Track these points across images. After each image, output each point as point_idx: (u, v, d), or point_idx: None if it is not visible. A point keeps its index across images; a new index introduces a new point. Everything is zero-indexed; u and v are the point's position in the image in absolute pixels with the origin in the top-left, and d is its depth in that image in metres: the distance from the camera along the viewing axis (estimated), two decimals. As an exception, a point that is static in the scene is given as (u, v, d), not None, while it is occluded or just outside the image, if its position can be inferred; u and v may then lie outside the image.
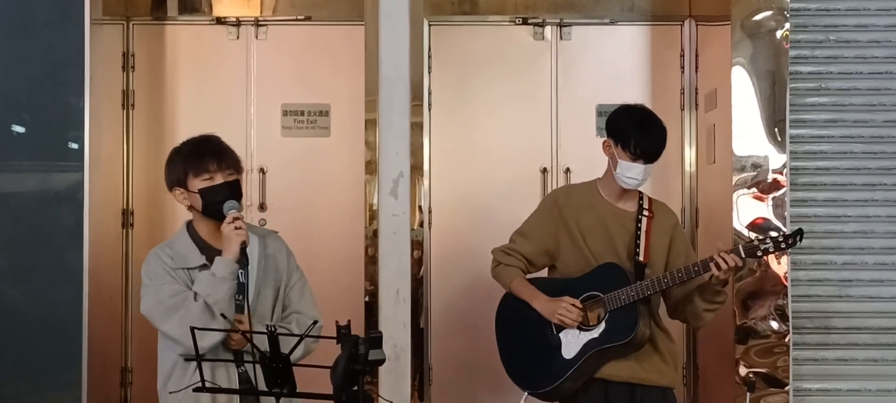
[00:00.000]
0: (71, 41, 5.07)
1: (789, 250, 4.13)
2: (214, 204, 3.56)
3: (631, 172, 4.01)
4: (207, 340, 3.41)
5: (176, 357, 3.59)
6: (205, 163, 3.58)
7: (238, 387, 3.50)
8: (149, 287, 3.60)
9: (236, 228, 3.49)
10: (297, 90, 5.84)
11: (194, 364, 3.31)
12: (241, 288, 3.59)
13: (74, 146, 5.07)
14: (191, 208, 3.67)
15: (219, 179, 3.58)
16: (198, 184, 3.58)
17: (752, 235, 5.01)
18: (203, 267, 3.58)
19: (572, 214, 4.15)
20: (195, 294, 3.50)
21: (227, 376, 3.56)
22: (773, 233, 4.08)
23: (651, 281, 3.97)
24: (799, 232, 3.96)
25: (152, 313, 3.57)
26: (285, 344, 3.11)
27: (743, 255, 3.91)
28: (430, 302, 5.66)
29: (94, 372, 5.12)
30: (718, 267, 3.88)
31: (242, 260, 3.53)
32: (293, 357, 3.12)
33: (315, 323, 3.53)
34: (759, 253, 3.98)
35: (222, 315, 3.44)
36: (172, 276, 3.58)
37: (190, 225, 3.70)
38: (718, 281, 3.95)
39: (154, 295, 3.56)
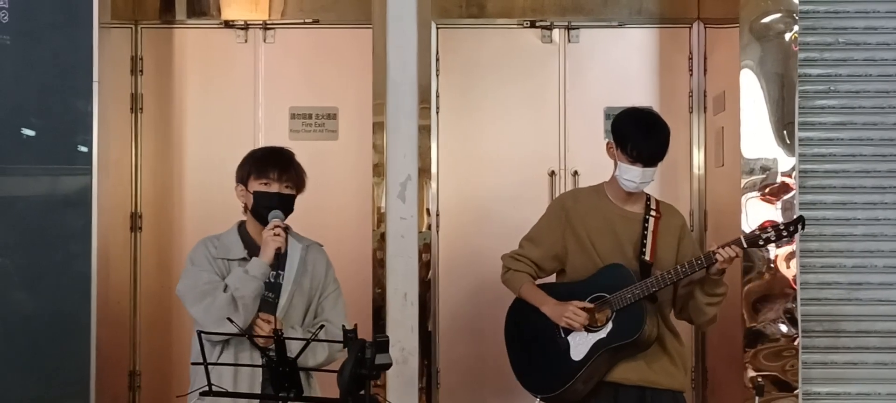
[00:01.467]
0: (79, 45, 5.07)
1: (791, 238, 4.12)
2: (263, 209, 3.91)
3: (629, 175, 4.03)
4: (226, 327, 3.69)
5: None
6: (267, 169, 3.94)
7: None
8: (189, 271, 3.93)
9: (274, 235, 3.82)
10: (304, 93, 5.84)
11: (219, 351, 3.79)
12: (275, 289, 3.92)
13: (83, 150, 5.06)
14: (245, 207, 4.00)
15: (274, 188, 3.93)
16: (256, 186, 3.94)
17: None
18: (242, 260, 3.92)
19: (580, 218, 4.16)
20: (226, 286, 3.80)
21: (251, 362, 3.81)
22: (775, 222, 4.08)
23: (655, 277, 3.99)
24: (800, 220, 3.99)
25: (185, 295, 3.88)
26: (311, 350, 3.23)
27: (744, 245, 3.97)
28: (437, 305, 5.65)
29: (102, 376, 5.11)
30: (721, 258, 3.92)
31: (276, 264, 3.89)
32: (315, 363, 3.60)
33: (321, 327, 3.82)
34: (762, 243, 4.02)
35: (228, 319, 3.69)
36: (212, 265, 3.90)
37: (241, 224, 4.03)
38: (717, 271, 3.97)
39: (191, 279, 3.89)
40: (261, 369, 3.76)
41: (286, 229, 4.00)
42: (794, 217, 4.12)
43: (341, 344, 3.49)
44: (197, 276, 3.89)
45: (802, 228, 3.98)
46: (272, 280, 3.94)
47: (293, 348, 3.42)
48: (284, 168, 3.98)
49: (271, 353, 3.39)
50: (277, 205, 3.91)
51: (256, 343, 3.72)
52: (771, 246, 4.97)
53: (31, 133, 5.08)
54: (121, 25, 5.69)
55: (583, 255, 4.14)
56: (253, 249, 3.93)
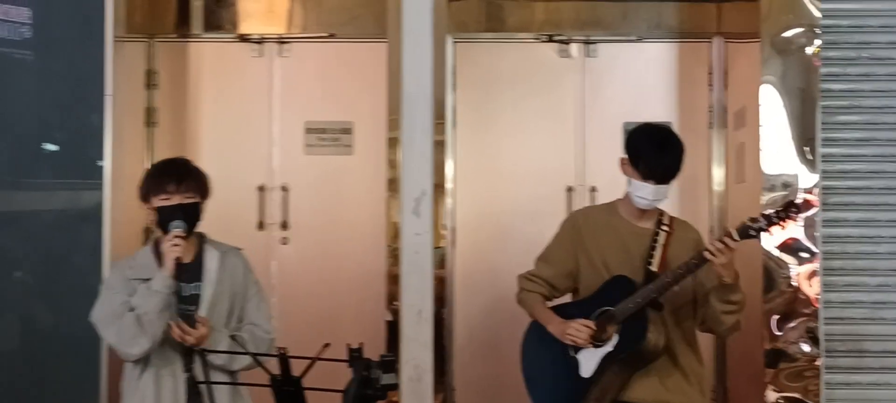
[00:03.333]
0: (93, 59, 5.06)
1: (783, 222, 4.02)
2: (166, 222, 3.89)
3: (641, 192, 3.99)
4: (137, 348, 3.78)
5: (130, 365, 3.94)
6: (163, 183, 3.94)
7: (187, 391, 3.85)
8: (104, 295, 3.96)
9: (173, 245, 3.81)
10: (320, 108, 5.81)
11: (137, 370, 3.88)
12: (194, 300, 3.93)
13: (98, 164, 5.05)
14: (154, 224, 3.99)
15: (175, 199, 3.90)
16: (157, 201, 3.93)
17: (783, 256, 4.94)
18: None
19: (591, 235, 4.13)
20: (132, 307, 3.82)
21: (173, 379, 3.88)
22: (768, 211, 4.00)
23: (655, 283, 3.93)
24: (791, 204, 3.92)
25: (98, 320, 3.91)
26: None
27: (736, 237, 3.89)
28: (453, 322, 5.59)
29: (113, 390, 5.06)
30: (712, 254, 3.84)
31: (194, 276, 3.93)
32: (238, 367, 3.78)
33: (242, 324, 3.97)
34: (753, 233, 3.93)
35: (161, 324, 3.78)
36: (126, 287, 3.89)
37: (156, 241, 4.01)
38: (724, 272, 3.89)
39: (105, 304, 3.91)
40: (183, 388, 3.83)
41: (202, 237, 4.04)
42: (786, 202, 4.05)
43: (267, 348, 3.70)
44: (111, 299, 3.90)
45: (795, 212, 3.89)
46: (191, 292, 3.94)
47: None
48: (181, 177, 3.97)
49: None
50: (180, 216, 3.88)
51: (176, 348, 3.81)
52: (791, 264, 4.91)
53: (50, 147, 5.07)
54: (135, 39, 5.68)
55: (594, 273, 4.10)
56: None
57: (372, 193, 5.57)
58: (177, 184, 3.93)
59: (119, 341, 3.83)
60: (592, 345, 3.99)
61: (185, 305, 3.91)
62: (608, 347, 3.97)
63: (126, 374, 3.99)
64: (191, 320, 3.87)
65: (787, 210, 3.89)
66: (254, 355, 3.57)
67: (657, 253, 4.02)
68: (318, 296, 5.59)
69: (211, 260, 4.00)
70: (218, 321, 3.94)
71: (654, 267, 4.00)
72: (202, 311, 3.91)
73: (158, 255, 3.93)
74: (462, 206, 5.67)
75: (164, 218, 3.90)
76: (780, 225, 3.93)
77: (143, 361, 3.87)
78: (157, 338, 3.80)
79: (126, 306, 3.82)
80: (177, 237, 3.82)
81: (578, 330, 3.98)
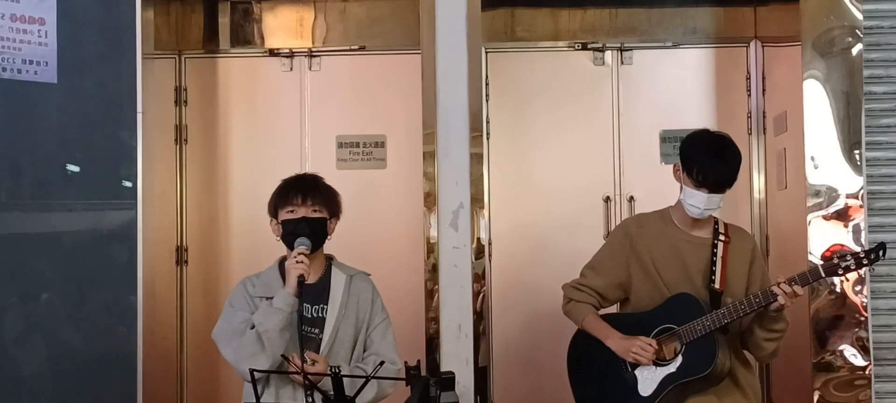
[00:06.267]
0: (123, 76, 5.00)
1: (872, 266, 3.92)
2: (290, 236, 3.81)
3: (694, 200, 3.89)
4: (256, 365, 3.58)
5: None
6: (290, 197, 3.86)
7: None
8: (226, 312, 3.87)
9: (297, 262, 3.68)
10: (351, 121, 5.76)
11: (255, 392, 3.53)
12: (319, 323, 3.83)
13: (127, 183, 4.99)
14: (279, 238, 3.90)
15: (300, 213, 3.83)
16: (283, 215, 3.87)
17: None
18: None
19: (644, 244, 4.02)
20: (253, 324, 3.69)
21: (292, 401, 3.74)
22: (855, 249, 3.89)
23: (727, 308, 3.83)
24: (881, 246, 3.78)
25: (218, 337, 3.83)
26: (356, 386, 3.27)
27: (823, 275, 3.82)
28: (491, 337, 5.51)
29: (148, 413, 5.03)
30: (787, 296, 3.75)
31: (319, 298, 3.84)
32: (364, 401, 3.37)
33: (382, 363, 3.69)
34: (841, 272, 3.83)
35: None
36: (249, 305, 3.82)
37: (282, 259, 3.92)
38: (777, 308, 3.79)
39: (226, 321, 3.83)
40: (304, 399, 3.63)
41: (330, 259, 3.97)
42: (866, 243, 3.92)
43: (393, 381, 3.38)
44: (232, 317, 3.82)
45: (884, 255, 3.77)
46: (315, 315, 3.85)
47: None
48: (308, 191, 3.90)
49: (327, 392, 3.27)
50: (305, 230, 3.80)
51: (303, 383, 3.57)
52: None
53: (76, 168, 5.02)
54: (164, 55, 5.66)
55: (648, 284, 3.99)
56: None
57: (407, 207, 5.53)
58: (303, 196, 3.87)
59: (237, 358, 3.70)
60: (653, 364, 3.89)
61: (308, 327, 3.81)
62: (671, 368, 3.86)
63: (245, 396, 3.86)
64: (316, 343, 3.78)
65: (877, 251, 3.76)
66: (376, 377, 3.49)
67: (718, 269, 3.91)
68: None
69: (337, 283, 3.92)
70: (342, 347, 3.85)
71: (716, 285, 3.90)
72: (326, 334, 3.81)
73: (283, 273, 3.85)
74: (497, 219, 5.60)
75: (289, 232, 3.82)
76: (867, 266, 3.85)
77: (263, 385, 3.75)
78: (277, 357, 3.67)
79: (247, 323, 3.73)
80: (301, 254, 3.72)
81: (644, 348, 3.87)
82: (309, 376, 3.44)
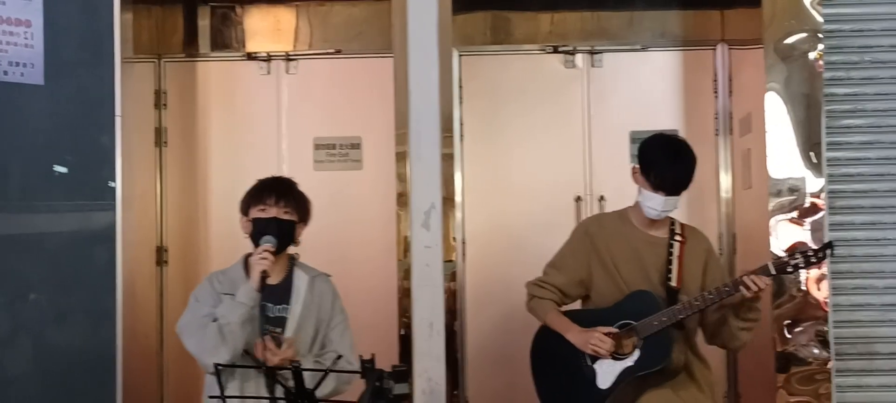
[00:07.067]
0: (102, 80, 5.07)
1: (820, 263, 4.08)
2: (259, 234, 3.88)
3: (652, 202, 4.02)
4: (217, 358, 3.67)
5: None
6: (264, 195, 3.96)
7: None
8: (191, 306, 3.93)
9: (261, 258, 3.78)
10: (328, 124, 5.85)
11: (220, 384, 3.64)
12: (281, 322, 3.90)
13: (110, 185, 5.07)
14: (248, 235, 3.96)
15: (271, 213, 3.91)
16: (254, 213, 3.94)
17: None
18: None
19: (604, 243, 4.14)
20: (216, 317, 3.76)
21: (256, 393, 3.79)
22: (803, 248, 4.03)
23: (682, 304, 3.95)
24: (828, 245, 3.96)
25: (182, 329, 3.89)
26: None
27: (773, 272, 3.92)
28: (465, 334, 5.62)
29: (128, 412, 5.11)
30: (748, 288, 3.86)
31: (282, 297, 3.91)
32: (323, 394, 3.46)
33: (339, 357, 3.79)
34: (790, 270, 3.97)
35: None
36: (213, 299, 3.87)
37: (248, 255, 3.97)
38: (751, 298, 3.91)
39: (191, 314, 3.90)
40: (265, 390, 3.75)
41: (293, 260, 4.04)
42: (824, 242, 4.05)
43: (349, 375, 3.52)
44: (196, 310, 3.89)
45: (832, 253, 3.92)
46: (278, 314, 3.93)
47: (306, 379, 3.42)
48: (282, 193, 3.98)
49: (288, 384, 3.36)
50: (274, 230, 3.88)
51: (268, 375, 3.71)
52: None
53: (60, 170, 5.09)
54: (144, 59, 5.72)
55: (607, 281, 4.12)
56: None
57: (382, 208, 5.61)
58: (277, 197, 3.95)
59: (200, 350, 3.77)
60: (612, 358, 4.00)
61: (271, 326, 3.90)
62: (628, 361, 3.98)
63: (206, 389, 3.95)
64: (277, 341, 3.84)
65: (825, 249, 3.92)
66: (331, 371, 3.56)
67: (674, 267, 4.04)
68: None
69: (300, 283, 3.99)
70: (302, 345, 3.91)
71: (673, 283, 4.03)
72: (288, 333, 3.88)
73: (248, 269, 3.91)
74: (471, 219, 5.70)
75: (258, 230, 3.90)
76: (817, 266, 3.98)
77: (228, 377, 3.80)
78: (238, 350, 3.75)
79: (210, 317, 3.79)
80: (265, 251, 3.80)
81: (602, 340, 3.99)
82: (274, 369, 3.56)
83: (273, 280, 3.90)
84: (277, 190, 4.00)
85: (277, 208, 3.93)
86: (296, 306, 3.94)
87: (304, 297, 3.96)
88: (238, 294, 3.78)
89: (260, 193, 3.99)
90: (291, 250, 4.09)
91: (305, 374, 3.45)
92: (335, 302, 4.08)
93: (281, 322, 3.91)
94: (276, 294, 3.93)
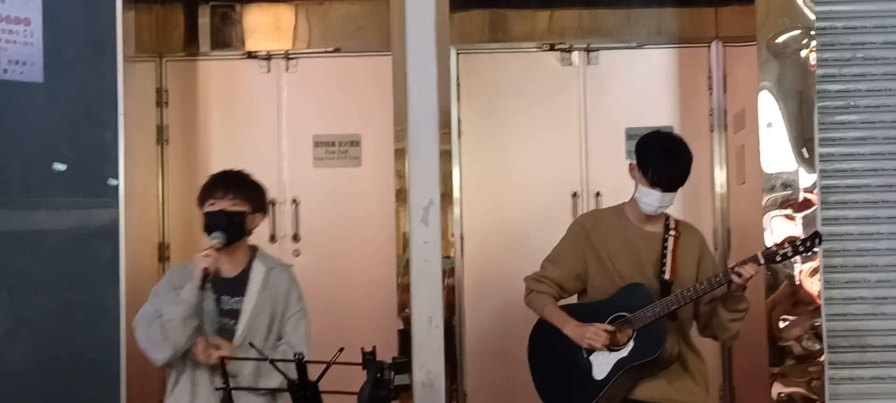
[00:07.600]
0: (105, 79, 5.12)
1: (808, 253, 4.17)
2: (209, 229, 3.91)
3: (649, 198, 4.07)
4: (159, 354, 3.80)
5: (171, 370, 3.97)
6: (212, 190, 3.95)
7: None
8: (149, 299, 3.98)
9: (204, 255, 3.77)
10: (327, 121, 5.88)
11: (174, 377, 3.92)
12: (234, 315, 3.92)
13: (111, 182, 5.11)
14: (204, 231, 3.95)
15: (218, 206, 3.93)
16: (205, 208, 3.97)
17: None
18: None
19: (600, 238, 4.20)
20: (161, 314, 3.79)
21: (209, 388, 3.87)
22: (791, 238, 4.09)
23: (675, 296, 4.01)
24: (816, 235, 3.99)
25: (136, 323, 3.93)
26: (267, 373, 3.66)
27: (762, 262, 3.97)
28: (464, 328, 5.67)
29: (132, 406, 5.16)
30: (739, 276, 3.92)
31: (237, 290, 3.92)
32: (270, 387, 3.64)
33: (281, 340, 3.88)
34: (779, 259, 4.02)
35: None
36: (171, 294, 3.86)
37: None
38: (738, 288, 3.98)
39: (146, 308, 3.93)
40: (217, 392, 3.68)
41: (253, 251, 4.06)
42: (812, 232, 4.11)
43: (293, 371, 3.43)
44: (151, 305, 3.92)
45: (819, 243, 3.98)
46: (231, 306, 3.95)
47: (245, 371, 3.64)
48: (230, 185, 3.98)
49: (235, 377, 3.54)
50: (223, 223, 3.88)
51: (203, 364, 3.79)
52: (795, 263, 4.98)
53: (62, 167, 5.13)
54: (146, 58, 5.76)
55: (603, 275, 4.18)
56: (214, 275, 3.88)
57: (381, 204, 5.63)
58: (224, 190, 3.95)
59: (146, 345, 3.83)
60: (607, 350, 4.07)
61: (225, 318, 3.93)
62: (623, 352, 4.04)
63: (167, 383, 4.00)
64: (230, 333, 3.87)
65: (812, 239, 3.97)
66: (263, 358, 3.60)
67: (668, 261, 4.10)
68: (330, 307, 5.58)
69: (256, 275, 3.99)
70: (256, 335, 3.90)
71: (667, 276, 4.09)
72: (240, 326, 3.89)
73: None
74: (469, 214, 5.73)
75: (209, 223, 3.92)
76: (804, 253, 4.03)
77: (179, 370, 3.88)
78: (179, 347, 3.78)
79: (158, 313, 3.81)
80: (209, 248, 3.80)
81: (597, 334, 4.05)
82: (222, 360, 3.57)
83: (231, 272, 3.94)
84: (225, 182, 4.00)
85: (225, 201, 3.94)
86: (249, 298, 3.94)
87: (258, 290, 3.96)
88: (183, 291, 3.79)
89: (209, 188, 4.01)
90: (252, 241, 4.09)
91: (245, 369, 3.56)
92: (291, 293, 4.06)
93: (234, 314, 3.92)
94: (231, 286, 3.95)
